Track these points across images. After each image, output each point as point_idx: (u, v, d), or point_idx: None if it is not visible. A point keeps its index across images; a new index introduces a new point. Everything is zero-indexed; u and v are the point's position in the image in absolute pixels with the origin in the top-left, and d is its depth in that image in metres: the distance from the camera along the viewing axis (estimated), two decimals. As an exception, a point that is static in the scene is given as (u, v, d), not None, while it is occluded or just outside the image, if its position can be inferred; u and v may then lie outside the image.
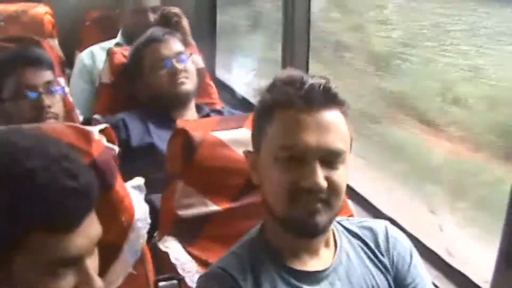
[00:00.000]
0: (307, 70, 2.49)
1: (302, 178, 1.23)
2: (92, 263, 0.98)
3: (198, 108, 2.42)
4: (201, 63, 2.59)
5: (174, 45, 2.38)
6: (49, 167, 0.93)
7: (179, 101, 2.34)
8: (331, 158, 1.25)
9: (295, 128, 1.25)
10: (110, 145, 1.53)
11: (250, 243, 1.34)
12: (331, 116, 1.27)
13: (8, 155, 0.94)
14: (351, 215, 1.80)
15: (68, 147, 1.01)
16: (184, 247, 1.72)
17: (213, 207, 1.75)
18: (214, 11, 3.43)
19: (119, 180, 1.53)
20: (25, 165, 0.92)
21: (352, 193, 2.11)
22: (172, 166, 1.78)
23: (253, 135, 1.34)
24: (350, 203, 1.85)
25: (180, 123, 1.80)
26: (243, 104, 2.80)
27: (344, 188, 1.27)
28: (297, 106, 1.26)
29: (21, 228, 0.91)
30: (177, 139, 1.77)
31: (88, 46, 2.97)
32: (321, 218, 1.25)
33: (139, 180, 1.60)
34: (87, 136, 1.48)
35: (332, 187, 1.25)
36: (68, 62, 2.94)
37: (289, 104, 1.26)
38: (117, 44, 2.90)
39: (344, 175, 1.27)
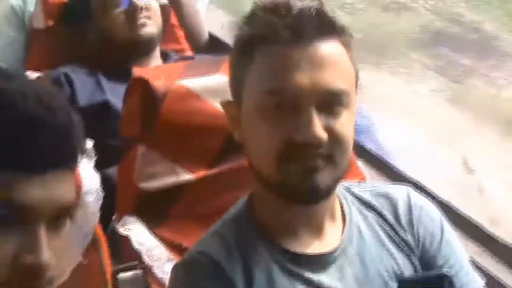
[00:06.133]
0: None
1: (295, 130, 1.26)
2: (53, 241, 1.01)
3: (164, 56, 2.49)
4: (164, -1, 2.65)
5: None
6: (20, 92, 0.98)
7: (140, 48, 2.40)
8: (330, 102, 1.28)
9: (283, 67, 1.28)
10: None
11: (235, 220, 1.38)
12: (328, 49, 1.29)
13: None
14: (362, 179, 1.87)
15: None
16: (150, 229, 1.80)
17: (185, 176, 1.83)
18: None
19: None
20: None
21: (363, 152, 2.17)
22: (129, 127, 1.85)
23: (231, 81, 1.37)
24: (361, 164, 1.93)
25: (137, 71, 1.88)
26: (214, 46, 2.86)
27: (350, 139, 1.30)
28: (283, 39, 1.28)
29: None
30: (135, 91, 1.84)
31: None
32: (322, 177, 1.28)
33: (87, 143, 1.66)
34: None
35: (335, 138, 1.28)
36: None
37: (273, 37, 1.29)
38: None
39: (349, 123, 1.30)
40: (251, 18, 1.34)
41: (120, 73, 2.36)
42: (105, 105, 2.30)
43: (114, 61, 2.40)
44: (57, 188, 0.99)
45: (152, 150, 1.82)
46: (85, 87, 2.33)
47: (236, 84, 1.36)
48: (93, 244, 1.64)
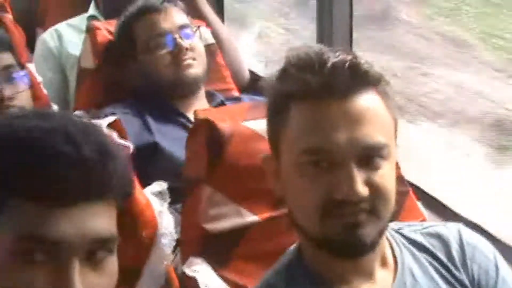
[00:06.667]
0: (350, 46, 2.57)
1: (335, 187, 1.27)
2: (91, 277, 1.00)
3: (210, 96, 2.53)
4: (210, 38, 2.68)
5: (176, 15, 2.48)
6: (50, 130, 1.02)
7: (185, 89, 2.44)
8: (369, 156, 1.29)
9: (318, 124, 1.29)
10: (123, 141, 1.63)
11: (287, 269, 1.39)
12: (364, 102, 1.30)
13: (13, 119, 1.06)
14: (423, 220, 1.90)
15: (94, 126, 1.08)
16: (215, 270, 1.82)
17: (250, 217, 1.86)
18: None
19: (137, 185, 1.63)
20: (25, 125, 1.03)
21: (422, 194, 2.19)
22: (194, 168, 1.88)
23: (268, 136, 1.39)
24: (420, 205, 1.97)
25: (201, 113, 1.91)
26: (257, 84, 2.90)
27: (392, 190, 1.31)
28: (318, 95, 1.29)
29: (2, 189, 0.99)
30: (199, 133, 1.88)
31: (52, 24, 3.08)
32: (366, 231, 1.29)
33: (161, 185, 1.70)
34: (95, 132, 1.59)
35: (376, 192, 1.28)
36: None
37: (307, 94, 1.30)
38: (92, 17, 3.01)
39: (389, 174, 1.31)
40: (284, 75, 1.35)
41: (167, 113, 2.42)
42: (154, 146, 2.33)
43: (160, 101, 2.44)
44: (88, 221, 1.00)
45: (217, 191, 1.84)
46: (133, 128, 2.33)
47: (273, 140, 1.37)
48: (166, 286, 1.68)
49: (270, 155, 1.39)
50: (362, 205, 1.28)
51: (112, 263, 1.04)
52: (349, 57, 1.31)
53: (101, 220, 1.02)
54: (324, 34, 2.54)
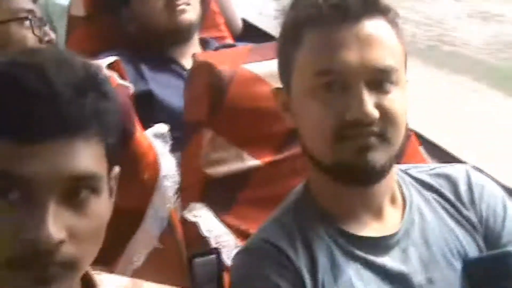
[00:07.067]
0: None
1: (346, 109, 1.30)
2: (71, 217, 0.98)
3: (204, 43, 2.51)
4: (204, -16, 2.66)
5: None
6: (23, 65, 0.99)
7: (180, 35, 2.42)
8: (379, 79, 1.32)
9: (330, 47, 1.32)
10: (123, 82, 1.62)
11: (295, 206, 1.41)
12: (374, 27, 1.34)
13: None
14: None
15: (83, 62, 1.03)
16: (217, 216, 1.82)
17: (252, 161, 1.85)
18: None
19: (138, 127, 1.62)
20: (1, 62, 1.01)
21: (423, 141, 2.19)
22: (194, 112, 1.87)
23: (279, 67, 1.42)
24: (423, 151, 1.98)
25: (200, 56, 1.89)
26: (251, 33, 2.88)
27: (402, 116, 1.34)
28: (329, 19, 1.33)
29: None
30: (199, 76, 1.86)
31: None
32: (377, 155, 1.31)
33: (162, 127, 1.69)
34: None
35: (386, 115, 1.31)
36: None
37: (318, 19, 1.34)
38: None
39: (399, 100, 1.34)
40: (296, 3, 1.39)
41: (160, 61, 2.39)
42: (148, 95, 2.31)
43: (153, 48, 2.41)
44: (62, 158, 0.97)
45: (218, 135, 1.83)
46: (128, 76, 2.29)
47: (285, 69, 1.40)
48: (169, 230, 1.68)
49: (280, 88, 1.41)
50: (373, 127, 1.31)
51: (97, 204, 1.00)
52: None
53: (78, 158, 0.98)
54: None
